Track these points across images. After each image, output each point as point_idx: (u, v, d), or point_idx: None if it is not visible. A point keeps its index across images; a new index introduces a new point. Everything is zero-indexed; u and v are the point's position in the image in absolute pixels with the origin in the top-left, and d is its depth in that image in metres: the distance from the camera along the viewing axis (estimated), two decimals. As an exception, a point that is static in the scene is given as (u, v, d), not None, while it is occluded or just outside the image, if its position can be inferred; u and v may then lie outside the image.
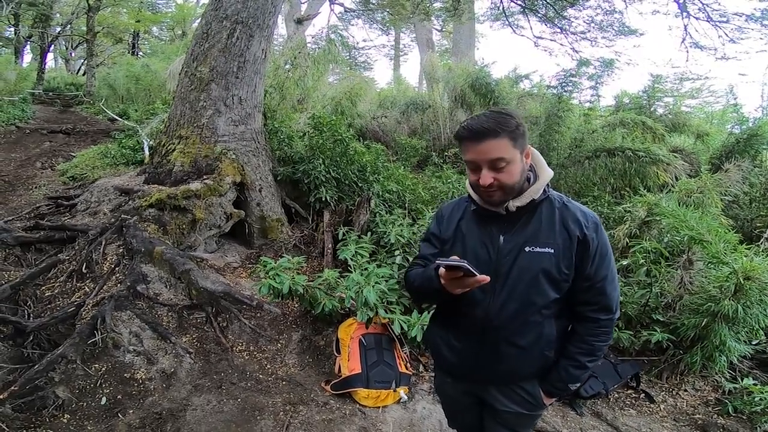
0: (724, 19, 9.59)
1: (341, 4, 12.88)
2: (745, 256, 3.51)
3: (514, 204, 1.53)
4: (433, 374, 3.45)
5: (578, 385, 1.67)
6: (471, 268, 1.35)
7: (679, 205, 4.33)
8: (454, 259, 1.38)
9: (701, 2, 9.42)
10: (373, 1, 12.89)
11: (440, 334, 1.78)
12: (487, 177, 1.46)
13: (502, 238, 1.57)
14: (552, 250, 1.51)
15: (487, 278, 1.38)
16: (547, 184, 1.58)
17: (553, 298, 1.54)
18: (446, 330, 1.75)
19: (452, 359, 1.73)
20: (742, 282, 3.33)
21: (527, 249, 1.53)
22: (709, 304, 3.45)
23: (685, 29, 9.87)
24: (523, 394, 1.68)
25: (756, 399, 3.32)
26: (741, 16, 9.57)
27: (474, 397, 1.82)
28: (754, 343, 3.66)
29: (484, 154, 1.44)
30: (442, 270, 1.42)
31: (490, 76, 8.23)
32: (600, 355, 1.64)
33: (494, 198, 1.51)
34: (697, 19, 9.68)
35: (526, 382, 1.68)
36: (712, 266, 3.81)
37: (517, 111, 1.56)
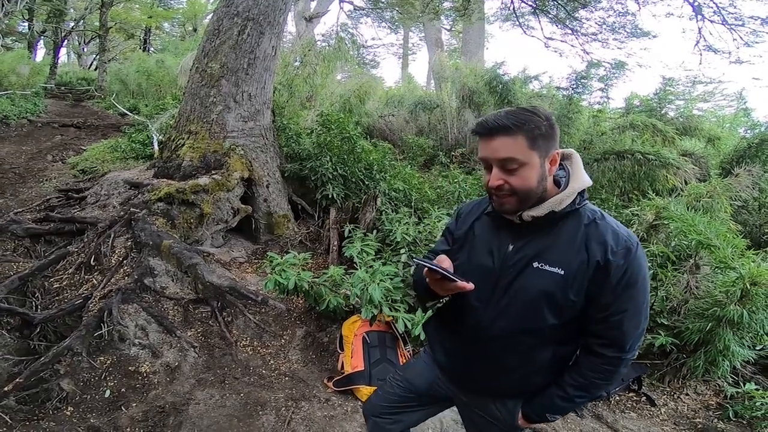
0: (740, 23, 9.48)
1: (351, 2, 12.91)
2: (753, 262, 3.48)
3: (529, 214, 1.36)
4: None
5: (558, 417, 1.54)
6: (449, 274, 1.27)
7: (688, 209, 4.30)
8: (434, 263, 1.31)
9: (717, 5, 9.32)
10: (383, 0, 12.88)
11: (436, 331, 1.74)
12: (495, 178, 1.32)
13: (510, 247, 1.41)
14: (562, 272, 1.33)
15: (470, 286, 1.30)
16: (581, 194, 1.38)
17: (551, 324, 1.38)
18: (441, 329, 1.70)
19: (443, 359, 1.68)
20: (749, 287, 3.31)
21: (535, 265, 1.36)
22: (715, 308, 3.42)
23: (699, 32, 9.76)
24: (500, 408, 1.60)
25: (757, 404, 3.29)
26: (756, 20, 9.46)
27: (447, 400, 1.79)
28: (758, 348, 3.63)
29: (494, 152, 1.31)
30: (425, 270, 1.35)
31: (506, 75, 8.23)
32: (594, 395, 1.46)
33: (506, 206, 1.36)
34: (711, 22, 9.58)
35: (509, 399, 1.58)
36: (718, 271, 3.78)
37: (548, 110, 1.38)
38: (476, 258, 1.49)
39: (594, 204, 1.45)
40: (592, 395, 1.46)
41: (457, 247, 1.58)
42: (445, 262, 1.37)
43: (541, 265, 1.36)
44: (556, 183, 1.40)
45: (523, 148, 1.28)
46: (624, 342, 1.36)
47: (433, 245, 1.92)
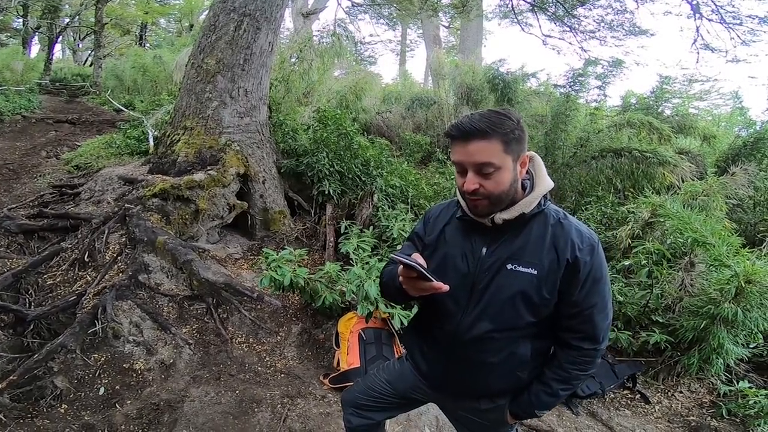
0: (737, 21, 9.50)
1: (349, -1, 12.84)
2: (747, 260, 3.49)
3: (501, 216, 1.39)
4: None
5: (546, 412, 1.58)
6: (425, 272, 1.25)
7: (684, 207, 4.31)
8: (411, 258, 1.28)
9: (715, 4, 9.34)
10: (381, -4, 12.83)
11: (415, 339, 1.73)
12: (471, 182, 1.33)
13: (484, 250, 1.43)
14: (535, 272, 1.37)
15: (444, 287, 1.28)
16: (545, 197, 1.43)
17: (529, 321, 1.41)
18: (420, 336, 1.69)
19: (424, 366, 1.67)
20: (743, 285, 3.32)
21: (509, 267, 1.39)
22: (709, 306, 3.44)
23: (697, 30, 9.78)
24: (490, 406, 1.61)
25: (750, 402, 3.31)
26: (754, 19, 9.49)
27: (424, 402, 1.87)
28: (752, 346, 3.64)
29: (471, 156, 1.31)
30: (400, 267, 1.32)
31: (508, 73, 8.24)
32: (576, 385, 1.52)
33: (479, 208, 1.38)
34: (709, 20, 9.60)
35: (498, 398, 1.59)
36: (713, 269, 3.80)
37: (518, 113, 1.38)
38: (451, 262, 1.49)
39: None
40: (574, 387, 1.52)
41: (428, 252, 1.57)
42: (419, 260, 1.34)
43: (515, 267, 1.39)
44: (522, 185, 1.43)
45: (498, 152, 1.30)
46: (597, 334, 1.43)
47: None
